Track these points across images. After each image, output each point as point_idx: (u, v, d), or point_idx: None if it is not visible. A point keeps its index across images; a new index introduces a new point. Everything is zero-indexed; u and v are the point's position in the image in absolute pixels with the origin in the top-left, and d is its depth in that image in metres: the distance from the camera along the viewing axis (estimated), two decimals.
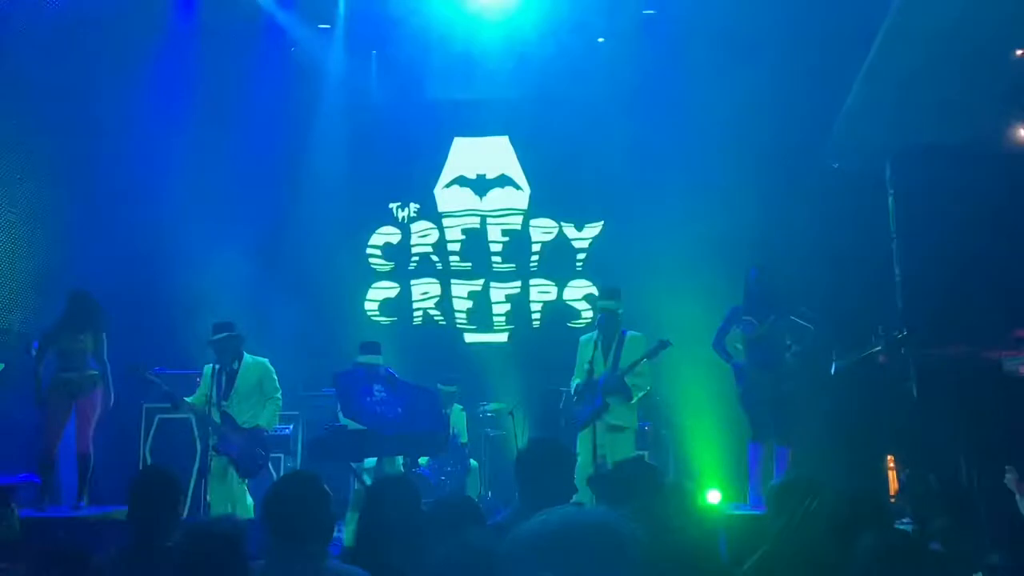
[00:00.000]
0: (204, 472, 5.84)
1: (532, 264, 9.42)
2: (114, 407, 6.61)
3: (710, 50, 8.13)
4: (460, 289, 9.42)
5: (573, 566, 1.31)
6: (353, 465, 5.95)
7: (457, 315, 9.39)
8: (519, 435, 7.61)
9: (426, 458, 7.03)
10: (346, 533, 6.11)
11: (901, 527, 4.28)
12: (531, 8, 8.65)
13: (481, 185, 9.52)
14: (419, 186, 9.49)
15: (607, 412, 5.94)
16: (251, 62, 9.01)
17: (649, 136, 8.34)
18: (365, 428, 5.88)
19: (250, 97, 8.98)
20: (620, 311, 6.24)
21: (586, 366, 6.07)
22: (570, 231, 9.39)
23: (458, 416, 7.80)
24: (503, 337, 9.31)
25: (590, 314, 8.89)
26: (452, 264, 9.48)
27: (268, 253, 8.63)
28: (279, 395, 6.31)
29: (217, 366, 6.06)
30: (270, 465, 6.77)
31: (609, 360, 6.12)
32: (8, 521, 3.37)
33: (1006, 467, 4.01)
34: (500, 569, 1.41)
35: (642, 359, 6.06)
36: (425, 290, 9.46)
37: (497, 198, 9.50)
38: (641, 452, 7.41)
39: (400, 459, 6.27)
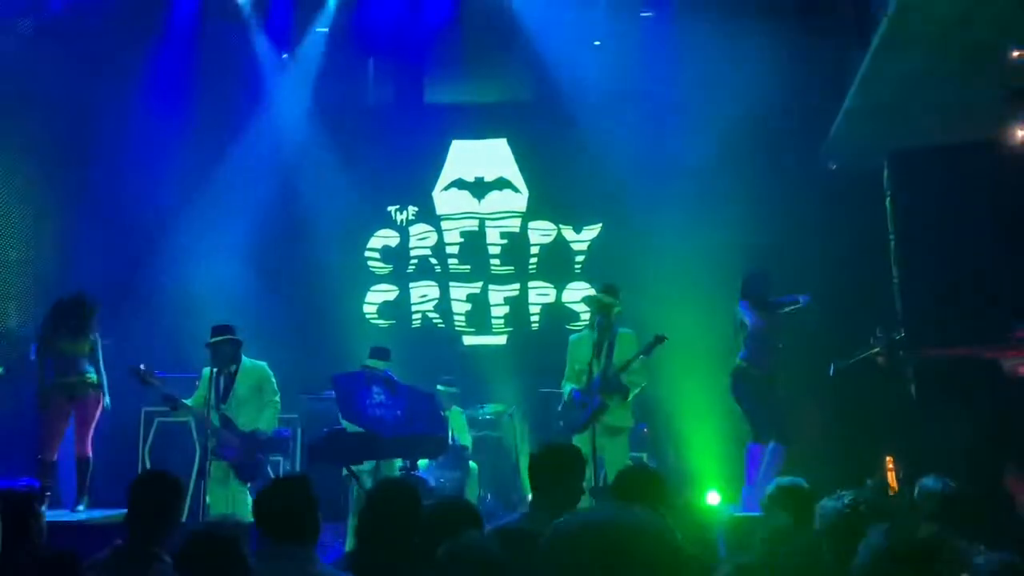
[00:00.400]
0: (203, 475, 5.83)
1: (531, 266, 9.42)
2: (113, 410, 6.60)
3: (708, 52, 8.14)
4: (459, 292, 9.43)
5: (621, 563, 1.29)
6: (353, 468, 5.94)
7: (456, 318, 9.39)
8: (518, 437, 7.62)
9: (425, 461, 7.02)
10: (348, 539, 6.11)
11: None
12: (530, 11, 8.67)
13: (479, 188, 9.52)
14: (417, 189, 9.50)
15: (604, 413, 5.93)
16: (250, 65, 9.03)
17: (647, 138, 8.35)
18: (364, 431, 5.87)
19: (248, 100, 9.00)
20: (617, 309, 6.23)
21: (582, 367, 6.05)
22: (568, 233, 9.39)
23: (457, 418, 7.79)
24: (502, 339, 9.32)
25: (589, 316, 8.88)
26: (451, 267, 9.48)
27: (267, 256, 8.63)
28: (278, 398, 6.30)
29: (215, 369, 6.05)
30: (269, 469, 6.77)
31: (603, 359, 6.11)
32: (39, 526, 3.38)
33: (1005, 467, 4.02)
34: (541, 561, 1.39)
35: (638, 356, 6.06)
36: (424, 293, 9.46)
37: (495, 201, 9.51)
38: (639, 454, 7.43)
39: (398, 462, 6.27)
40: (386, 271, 9.49)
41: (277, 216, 8.81)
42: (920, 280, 5.15)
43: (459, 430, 7.67)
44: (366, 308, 9.37)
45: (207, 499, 5.77)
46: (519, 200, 9.50)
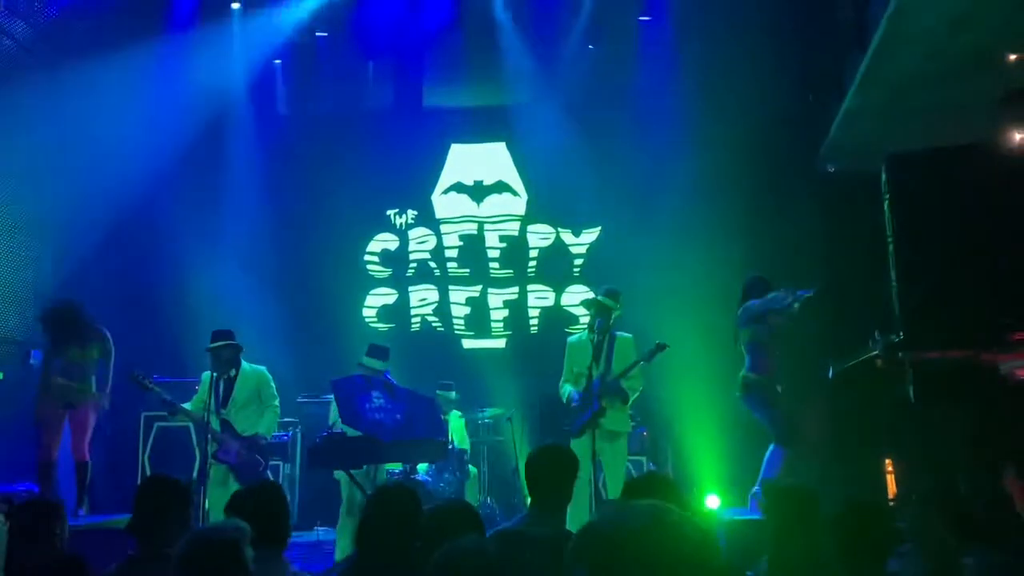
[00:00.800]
0: (203, 479, 5.83)
1: (530, 270, 9.43)
2: (113, 415, 6.60)
3: (705, 55, 8.17)
4: (458, 295, 9.44)
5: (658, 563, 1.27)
6: (351, 472, 5.93)
7: (455, 321, 9.40)
8: (517, 441, 7.61)
9: (425, 465, 7.03)
10: (339, 544, 6.09)
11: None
12: (527, 14, 8.69)
13: (478, 191, 9.53)
14: (417, 193, 9.51)
15: (603, 417, 5.93)
16: (248, 68, 9.04)
17: (645, 141, 8.36)
18: (364, 435, 5.87)
19: (247, 104, 9.02)
20: (617, 313, 6.23)
21: (580, 370, 6.05)
22: (567, 237, 9.40)
23: (457, 422, 7.80)
24: (501, 343, 9.32)
25: (588, 319, 8.89)
26: (450, 270, 9.49)
27: (266, 260, 8.64)
28: (277, 403, 6.30)
29: (215, 374, 6.06)
30: (269, 472, 6.77)
31: (601, 363, 6.10)
32: (63, 534, 3.40)
33: (1004, 470, 4.02)
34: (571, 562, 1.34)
35: (638, 362, 6.05)
36: (423, 296, 9.47)
37: (494, 204, 9.52)
38: (638, 458, 7.43)
39: (387, 465, 6.28)
40: (385, 275, 9.49)
41: (276, 220, 8.82)
42: (918, 283, 5.15)
43: (458, 434, 7.67)
44: (365, 312, 9.37)
45: (207, 503, 5.77)
46: (518, 203, 9.51)
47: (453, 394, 7.83)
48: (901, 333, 4.99)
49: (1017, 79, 6.21)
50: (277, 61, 9.27)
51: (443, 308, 9.42)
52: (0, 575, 3.23)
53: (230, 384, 6.15)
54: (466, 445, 7.78)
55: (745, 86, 8.09)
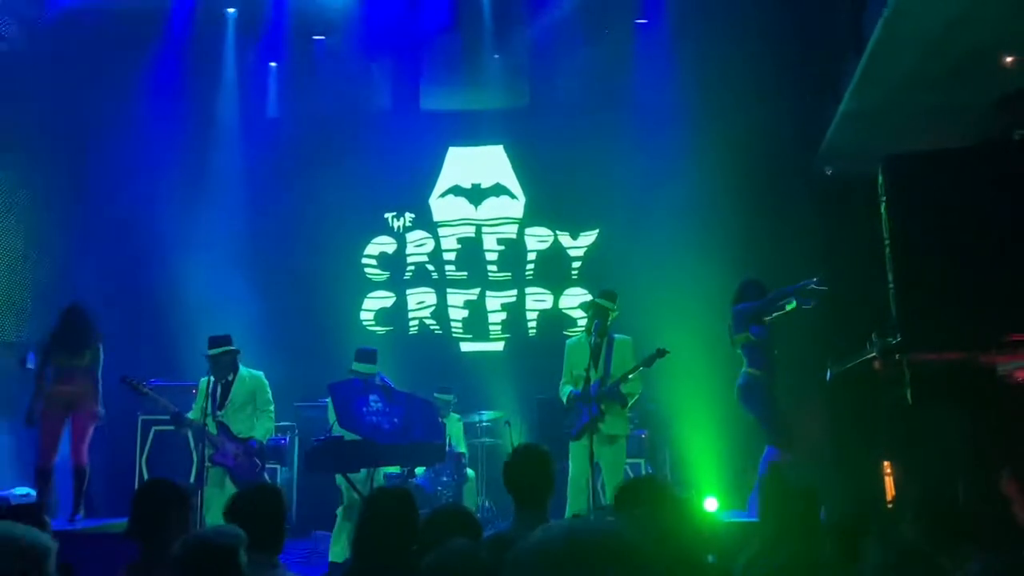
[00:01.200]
0: (201, 483, 5.83)
1: (528, 273, 9.43)
2: (110, 419, 6.59)
3: (703, 58, 8.17)
4: (456, 298, 9.43)
5: None
6: (349, 476, 5.92)
7: (453, 324, 9.39)
8: (516, 444, 7.60)
9: (423, 468, 7.01)
10: (333, 548, 6.08)
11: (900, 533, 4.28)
12: (525, 17, 8.70)
13: (476, 194, 9.54)
14: (414, 196, 9.50)
15: (602, 421, 5.92)
16: (245, 72, 9.04)
17: (643, 143, 8.37)
18: (361, 438, 5.86)
19: (245, 108, 9.02)
20: (614, 314, 6.22)
21: (579, 373, 6.03)
22: (565, 239, 9.40)
23: (454, 425, 7.79)
24: (499, 346, 9.32)
25: (586, 322, 8.89)
26: (448, 273, 9.48)
27: (263, 263, 8.64)
28: (272, 408, 6.31)
29: (212, 378, 6.07)
30: (266, 476, 6.76)
31: (600, 366, 6.09)
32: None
33: (1002, 472, 4.02)
34: None
35: (637, 368, 6.04)
36: (421, 299, 9.46)
37: (492, 207, 9.52)
38: (637, 460, 7.43)
39: (384, 469, 6.27)
40: (383, 278, 9.48)
41: (273, 223, 8.82)
42: (916, 285, 5.15)
43: (456, 438, 7.66)
44: (363, 315, 9.36)
45: (203, 506, 5.76)
46: (516, 206, 9.51)
47: (451, 397, 7.82)
48: (898, 335, 4.99)
49: (1014, 81, 6.22)
50: (273, 64, 9.27)
51: (441, 311, 9.42)
52: None
53: (227, 388, 6.16)
54: (464, 448, 7.77)
55: (742, 89, 8.09)
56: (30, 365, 6.85)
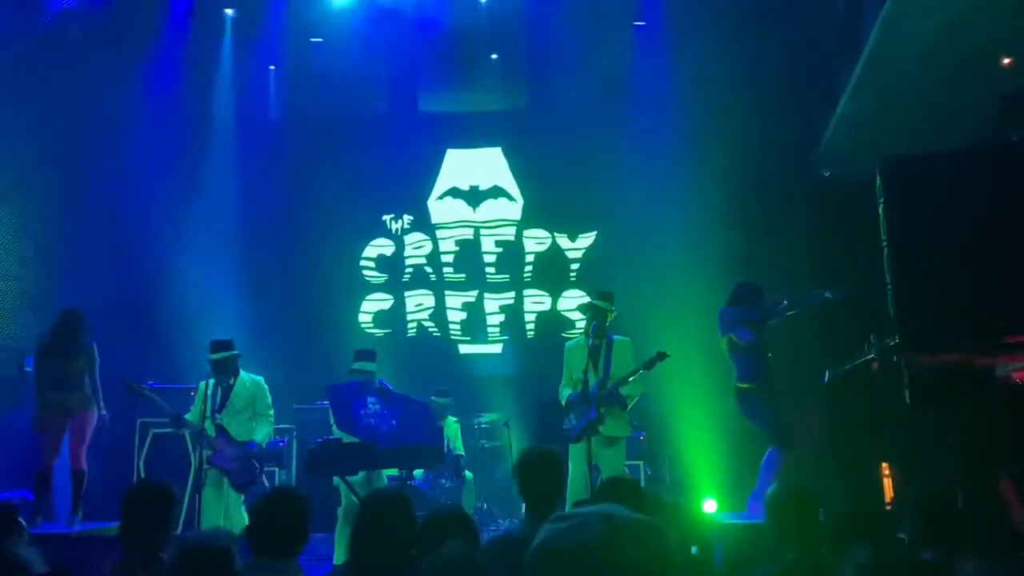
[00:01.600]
0: (199, 486, 5.82)
1: (526, 275, 9.43)
2: (108, 421, 6.58)
3: (701, 60, 8.18)
4: (454, 300, 9.43)
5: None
6: (348, 479, 5.92)
7: (451, 326, 9.39)
8: (514, 446, 7.60)
9: (421, 470, 7.01)
10: (337, 550, 6.08)
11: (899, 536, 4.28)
12: (523, 19, 8.70)
13: (474, 196, 9.54)
14: (412, 198, 9.51)
15: (601, 423, 5.91)
16: (243, 74, 9.04)
17: (641, 146, 8.37)
18: (360, 441, 5.86)
19: (243, 110, 9.02)
20: (612, 315, 6.21)
21: (579, 375, 6.02)
22: (563, 241, 9.41)
23: (452, 428, 7.79)
24: (497, 348, 9.32)
25: (584, 324, 8.89)
26: (446, 275, 9.48)
27: (261, 266, 8.63)
28: (271, 413, 6.31)
29: (212, 381, 6.08)
30: (264, 479, 6.75)
31: (600, 368, 6.08)
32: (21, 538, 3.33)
33: (1000, 475, 4.02)
34: None
35: (637, 371, 6.02)
36: (419, 302, 9.46)
37: (490, 209, 9.53)
38: (635, 462, 7.42)
39: (386, 471, 6.26)
40: (381, 280, 9.48)
41: (272, 226, 8.81)
42: (914, 286, 5.16)
43: (454, 440, 7.66)
44: (361, 317, 9.36)
45: (202, 508, 5.76)
46: (514, 208, 9.52)
47: (448, 400, 7.81)
48: (896, 336, 4.99)
49: (1011, 83, 6.24)
50: (272, 67, 9.27)
51: (439, 313, 9.41)
52: None
53: (227, 391, 6.16)
54: (462, 450, 7.76)
55: (740, 91, 8.10)
56: (28, 369, 6.84)
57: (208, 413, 5.98)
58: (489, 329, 9.37)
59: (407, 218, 9.53)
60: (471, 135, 9.52)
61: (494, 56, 9.13)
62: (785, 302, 6.24)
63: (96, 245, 7.97)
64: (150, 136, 8.25)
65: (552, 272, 9.37)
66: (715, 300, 6.64)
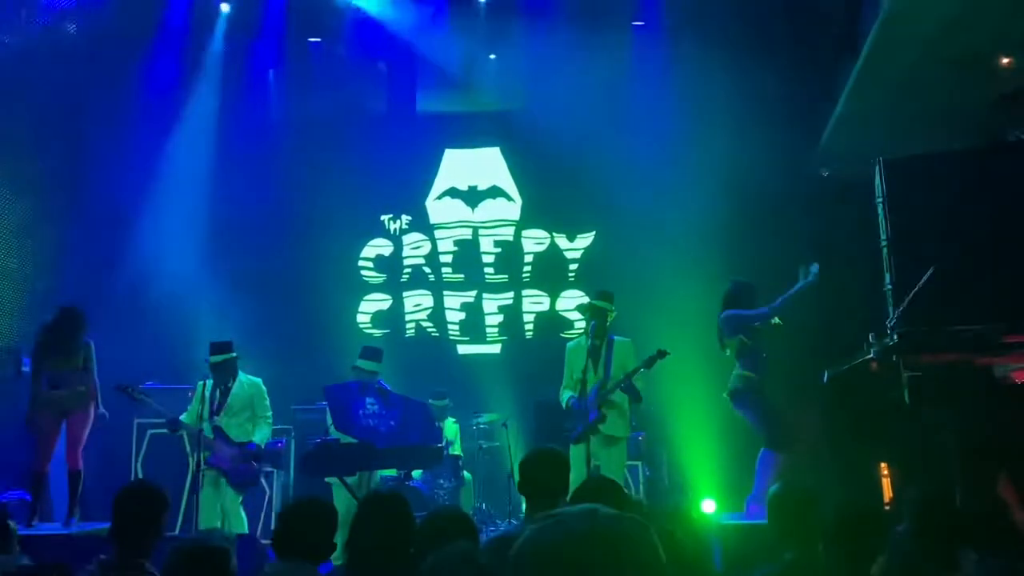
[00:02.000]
0: (196, 487, 5.81)
1: (524, 275, 9.42)
2: (105, 423, 6.57)
3: (699, 60, 8.16)
4: (453, 300, 9.42)
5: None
6: (347, 480, 5.91)
7: (450, 327, 9.38)
8: (512, 446, 7.59)
9: (420, 471, 7.00)
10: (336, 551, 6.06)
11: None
12: (521, 19, 8.69)
13: (473, 196, 9.53)
14: (411, 198, 9.49)
15: (602, 423, 5.91)
16: (241, 74, 9.03)
17: (640, 145, 8.36)
18: (358, 441, 5.85)
19: (241, 110, 9.00)
20: (613, 315, 6.20)
21: (578, 376, 6.01)
22: (562, 241, 9.40)
23: (451, 429, 7.78)
24: (496, 348, 9.31)
25: (583, 324, 8.89)
26: (444, 276, 9.47)
27: (259, 266, 8.60)
28: (270, 415, 6.32)
29: (210, 382, 6.08)
30: (263, 480, 6.75)
31: (600, 368, 6.07)
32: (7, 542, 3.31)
33: (1000, 476, 4.01)
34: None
35: (638, 370, 6.01)
36: (418, 302, 9.44)
37: (489, 209, 9.51)
38: (634, 462, 7.41)
39: (379, 472, 6.26)
40: (380, 280, 9.47)
41: (269, 226, 8.79)
42: (912, 286, 5.16)
43: (453, 442, 7.65)
44: (360, 317, 9.34)
45: (199, 508, 5.75)
46: (512, 209, 9.51)
47: (446, 402, 7.79)
48: (895, 336, 4.99)
49: (1010, 82, 6.23)
50: (271, 68, 9.25)
51: (438, 314, 9.40)
52: None
53: (226, 393, 6.16)
54: (460, 451, 7.75)
55: (738, 91, 8.09)
56: (25, 369, 6.82)
57: (206, 415, 5.97)
58: (488, 329, 9.36)
59: (405, 218, 9.52)
60: (469, 135, 9.50)
61: (492, 56, 9.11)
62: (777, 302, 6.26)
63: (94, 244, 7.96)
64: (148, 135, 8.24)
65: (551, 272, 9.36)
66: (714, 300, 6.64)
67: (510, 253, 9.44)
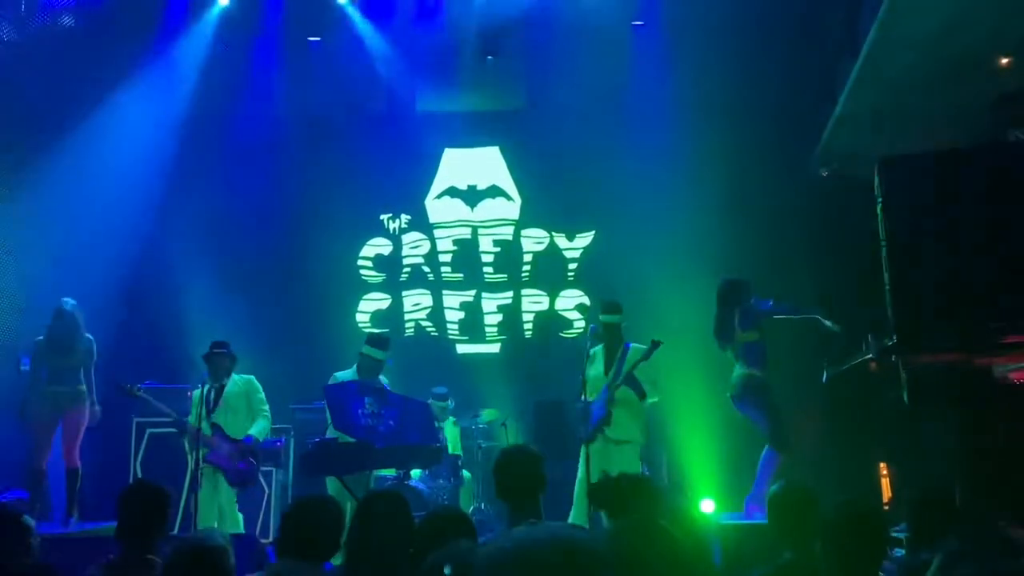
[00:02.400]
0: (195, 486, 5.81)
1: (524, 274, 9.42)
2: (104, 421, 6.57)
3: (699, 60, 8.17)
4: (452, 300, 9.42)
5: None
6: (344, 479, 5.90)
7: (449, 326, 9.38)
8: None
9: (419, 471, 7.00)
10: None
11: (896, 536, 4.28)
12: (521, 18, 8.69)
13: (472, 196, 9.53)
14: (410, 197, 9.49)
15: (608, 426, 5.93)
16: (241, 73, 9.02)
17: (639, 145, 8.36)
18: (356, 441, 5.84)
19: (240, 109, 8.99)
20: (623, 325, 6.27)
21: (588, 375, 6.06)
22: (561, 241, 9.40)
23: (451, 429, 7.77)
24: (495, 348, 9.30)
25: (582, 324, 8.91)
26: (444, 275, 9.47)
27: (258, 265, 8.61)
28: (266, 408, 6.33)
29: (206, 387, 6.08)
30: (262, 479, 6.75)
31: (611, 374, 6.13)
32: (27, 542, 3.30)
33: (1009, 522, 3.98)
34: None
35: (637, 364, 6.04)
36: (417, 301, 9.44)
37: (488, 208, 9.51)
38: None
39: (373, 472, 6.27)
40: (379, 280, 9.47)
41: (269, 225, 8.79)
42: (912, 286, 5.15)
43: (452, 441, 7.64)
44: (359, 317, 9.34)
45: (197, 508, 5.74)
46: (512, 208, 9.50)
47: (447, 403, 7.78)
48: (894, 336, 4.99)
49: (1009, 82, 6.23)
50: (270, 66, 9.23)
51: (437, 313, 9.40)
52: None
53: (220, 391, 6.17)
54: (460, 450, 7.75)
55: (738, 90, 8.09)
56: (24, 367, 6.82)
57: (204, 414, 5.98)
58: (487, 329, 9.36)
59: (405, 217, 9.51)
60: (469, 134, 9.50)
61: (492, 56, 9.10)
62: (774, 303, 6.27)
63: (93, 243, 7.94)
64: (146, 134, 8.23)
65: (550, 272, 9.36)
66: (712, 299, 6.64)
67: (509, 252, 9.44)
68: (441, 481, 7.26)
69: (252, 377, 6.37)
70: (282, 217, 8.86)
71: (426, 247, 9.50)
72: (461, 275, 9.46)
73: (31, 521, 3.31)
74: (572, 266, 9.35)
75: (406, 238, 9.51)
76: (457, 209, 9.53)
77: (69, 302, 6.44)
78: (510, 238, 9.47)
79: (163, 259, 8.25)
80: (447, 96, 9.40)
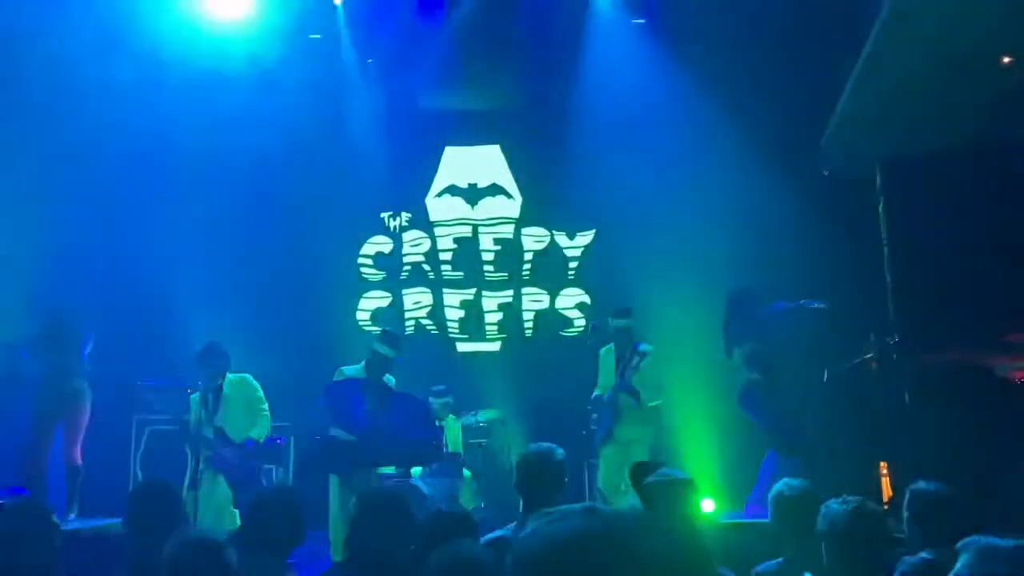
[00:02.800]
0: (195, 485, 5.81)
1: (524, 273, 9.41)
2: (104, 419, 6.56)
3: (701, 58, 8.16)
4: (452, 298, 9.41)
5: None
6: (345, 477, 5.90)
7: (449, 324, 9.38)
8: (512, 445, 7.59)
9: (419, 468, 6.99)
10: (334, 548, 6.06)
11: (897, 535, 4.28)
12: (521, 17, 8.68)
13: (472, 194, 9.52)
14: (411, 195, 9.48)
15: (618, 426, 5.96)
16: (240, 73, 9.00)
17: (639, 144, 8.36)
18: (356, 439, 5.84)
19: (239, 108, 8.97)
20: (634, 328, 6.35)
21: (602, 381, 6.14)
22: (562, 240, 9.39)
23: (452, 425, 7.76)
24: (495, 346, 9.30)
25: (583, 322, 8.91)
26: (444, 273, 9.46)
27: (258, 263, 8.60)
28: (265, 406, 6.31)
29: (203, 390, 6.07)
30: (263, 477, 6.73)
31: (618, 375, 6.19)
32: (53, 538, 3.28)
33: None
34: None
35: (632, 373, 6.09)
36: (417, 299, 9.44)
37: (489, 207, 9.51)
38: None
39: (380, 470, 6.27)
40: (379, 278, 9.46)
41: (269, 223, 8.78)
42: (913, 285, 5.17)
43: (453, 439, 7.63)
44: (359, 315, 9.34)
45: (197, 507, 5.74)
46: (512, 206, 9.50)
47: (447, 400, 7.77)
48: (896, 335, 4.99)
49: (1011, 82, 6.23)
50: (269, 65, 9.20)
51: (437, 311, 9.40)
52: None
53: (218, 392, 6.16)
54: (460, 449, 7.74)
55: (739, 89, 8.09)
56: (23, 364, 6.81)
57: (204, 418, 5.98)
58: (487, 327, 9.36)
59: (405, 215, 9.51)
60: (470, 133, 9.49)
61: (492, 54, 9.09)
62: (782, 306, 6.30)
63: (90, 240, 7.94)
64: (146, 131, 8.22)
65: (550, 270, 9.35)
66: (714, 300, 6.66)
67: (510, 251, 9.44)
68: (442, 479, 7.26)
69: (247, 375, 6.33)
70: (283, 214, 8.84)
71: (426, 245, 9.50)
72: (461, 273, 9.45)
73: (57, 520, 3.30)
74: (572, 265, 9.34)
75: (407, 236, 9.50)
76: (457, 207, 9.53)
77: (66, 298, 6.44)
78: (511, 236, 9.46)
79: (162, 257, 8.24)
80: (448, 94, 9.39)
